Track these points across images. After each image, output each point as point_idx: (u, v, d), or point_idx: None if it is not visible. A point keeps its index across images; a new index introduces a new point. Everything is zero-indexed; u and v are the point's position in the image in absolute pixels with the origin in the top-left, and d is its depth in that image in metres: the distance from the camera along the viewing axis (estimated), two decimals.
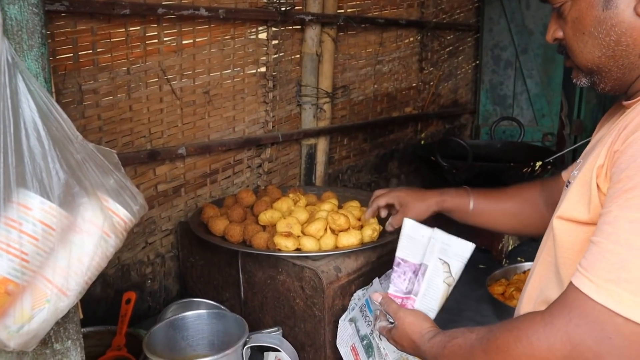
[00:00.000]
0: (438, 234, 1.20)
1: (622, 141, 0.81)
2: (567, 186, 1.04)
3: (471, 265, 2.26)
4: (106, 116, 1.68)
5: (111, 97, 1.68)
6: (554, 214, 0.97)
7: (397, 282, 1.19)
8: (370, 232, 1.52)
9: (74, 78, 1.59)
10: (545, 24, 2.93)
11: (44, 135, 0.62)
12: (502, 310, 1.69)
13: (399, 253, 1.21)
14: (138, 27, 1.71)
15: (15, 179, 0.60)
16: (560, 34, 0.97)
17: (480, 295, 1.88)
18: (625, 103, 0.97)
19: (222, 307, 1.47)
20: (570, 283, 0.81)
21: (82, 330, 1.43)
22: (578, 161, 1.12)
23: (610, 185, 0.81)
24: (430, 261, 1.19)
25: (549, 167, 2.22)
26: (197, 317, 1.32)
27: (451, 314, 1.81)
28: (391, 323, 1.16)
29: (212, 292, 1.73)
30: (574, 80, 1.01)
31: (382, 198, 1.51)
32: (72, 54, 1.57)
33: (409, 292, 1.17)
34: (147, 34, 1.73)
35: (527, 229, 1.44)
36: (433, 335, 1.04)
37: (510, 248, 2.21)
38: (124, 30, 1.67)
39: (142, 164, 1.77)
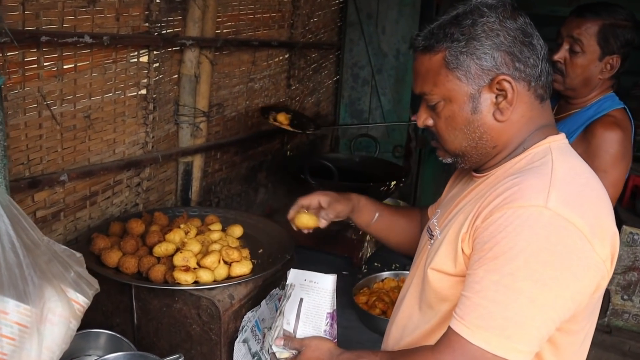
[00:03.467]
0: (303, 275, 1.38)
1: (482, 220, 1.06)
2: (431, 237, 1.30)
3: (334, 272, 2.55)
4: None
5: None
6: (428, 264, 1.21)
7: (332, 331, 1.33)
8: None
9: None
10: (398, 48, 3.30)
11: (18, 246, 0.68)
12: (366, 318, 1.98)
13: (332, 307, 1.34)
14: (16, 52, 1.65)
15: None
16: (430, 122, 1.20)
17: (345, 302, 2.13)
18: (473, 174, 1.24)
19: (124, 338, 1.54)
20: (450, 327, 1.06)
21: None
22: (437, 210, 1.39)
23: (474, 252, 1.07)
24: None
25: (401, 185, 2.56)
26: (114, 358, 1.38)
27: None
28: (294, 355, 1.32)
29: (100, 317, 1.76)
30: (440, 158, 1.26)
31: (305, 199, 1.57)
32: None
33: (336, 337, 1.35)
34: (26, 59, 1.68)
35: (411, 244, 1.60)
36: (341, 353, 1.24)
37: (368, 255, 2.53)
38: (0, 55, 1.61)
39: (21, 192, 1.73)
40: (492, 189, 1.10)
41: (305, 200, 1.56)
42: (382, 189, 2.50)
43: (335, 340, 1.36)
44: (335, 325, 1.34)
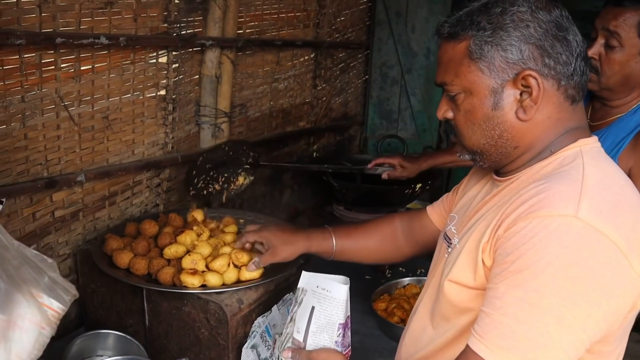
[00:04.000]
0: (315, 280, 1.33)
1: (505, 229, 0.97)
2: (449, 245, 1.22)
3: (358, 276, 2.49)
4: None
5: (5, 126, 1.64)
6: (445, 275, 1.13)
7: (344, 342, 1.29)
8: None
9: None
10: (429, 47, 3.21)
11: None
12: (385, 326, 1.91)
13: (345, 317, 1.28)
14: (33, 54, 1.67)
15: None
16: (450, 115, 1.11)
17: (366, 308, 2.07)
18: (495, 177, 1.15)
19: (134, 339, 1.53)
20: (468, 346, 0.98)
21: None
22: (453, 215, 1.31)
23: (495, 265, 0.99)
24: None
25: (427, 187, 2.48)
26: None
27: None
28: None
29: (114, 317, 1.77)
30: (458, 154, 1.19)
31: (252, 235, 1.57)
32: None
33: (349, 346, 1.30)
34: (43, 61, 1.69)
35: (386, 259, 1.66)
36: None
37: None
38: (17, 57, 1.62)
39: (39, 192, 1.75)
40: (516, 195, 1.01)
41: (250, 237, 1.57)
42: (406, 191, 2.43)
43: (349, 348, 1.30)
44: (348, 334, 1.28)
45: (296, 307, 1.30)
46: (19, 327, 0.75)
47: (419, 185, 2.42)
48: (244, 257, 1.60)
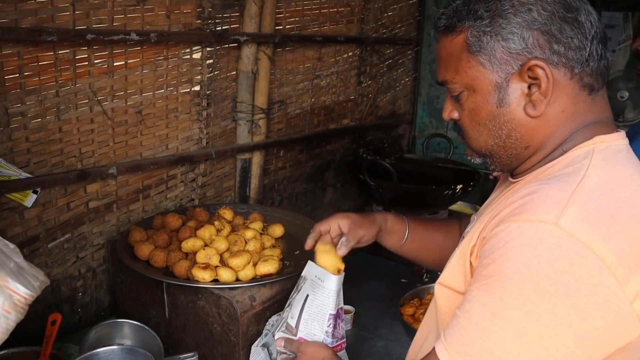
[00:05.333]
0: (315, 270, 1.29)
1: (490, 229, 0.90)
2: (461, 241, 1.15)
3: (393, 279, 2.40)
4: (34, 138, 1.70)
5: (40, 120, 1.71)
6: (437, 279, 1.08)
7: (336, 333, 1.27)
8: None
9: (0, 102, 1.61)
10: None
11: None
12: (411, 332, 1.82)
13: (335, 308, 1.26)
14: (67, 50, 1.73)
15: None
16: (456, 115, 1.04)
17: (396, 313, 2.00)
18: (510, 180, 1.07)
19: (151, 330, 1.55)
20: (434, 346, 0.93)
21: (5, 351, 1.49)
22: (473, 217, 1.23)
23: (477, 266, 0.92)
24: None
25: (469, 189, 2.36)
26: (111, 352, 1.39)
27: (367, 331, 1.94)
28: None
29: (140, 308, 1.80)
30: (468, 157, 1.11)
31: (320, 224, 1.38)
32: None
33: (342, 337, 1.28)
34: (76, 57, 1.75)
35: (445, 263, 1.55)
36: None
37: None
38: (52, 53, 1.69)
39: (71, 183, 1.81)
40: (511, 197, 0.93)
41: (323, 226, 1.36)
42: (446, 192, 2.32)
43: (343, 340, 1.28)
44: (341, 325, 1.27)
45: (295, 294, 1.31)
46: None
47: (459, 186, 2.31)
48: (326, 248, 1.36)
